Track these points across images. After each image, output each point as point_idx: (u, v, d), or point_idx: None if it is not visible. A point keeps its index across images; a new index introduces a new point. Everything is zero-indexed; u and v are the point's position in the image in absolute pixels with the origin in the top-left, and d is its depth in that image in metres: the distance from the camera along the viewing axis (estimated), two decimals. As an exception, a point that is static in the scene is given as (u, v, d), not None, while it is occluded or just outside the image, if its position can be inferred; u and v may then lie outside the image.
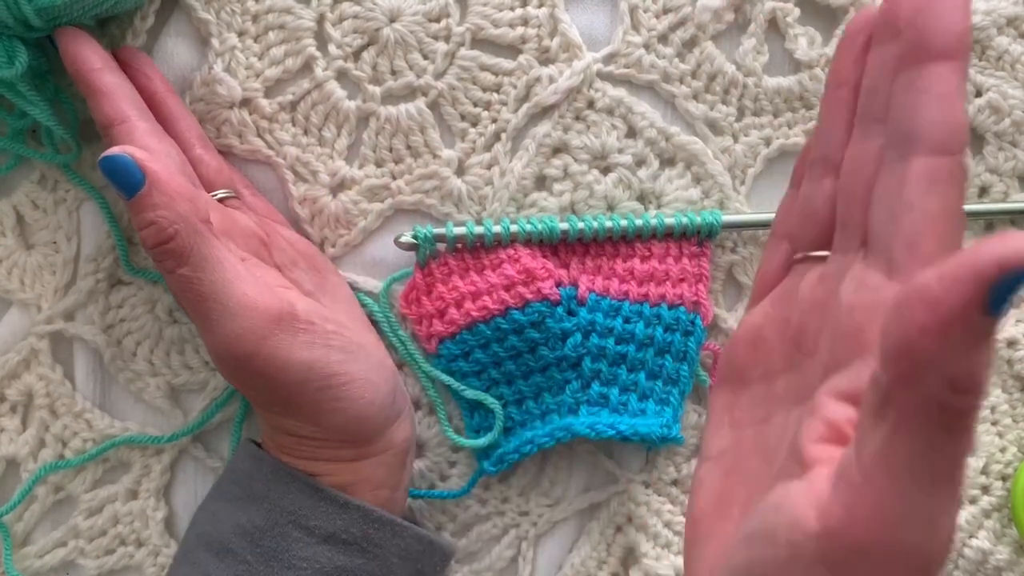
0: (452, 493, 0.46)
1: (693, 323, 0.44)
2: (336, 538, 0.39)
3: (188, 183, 0.36)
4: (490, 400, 0.44)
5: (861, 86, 0.30)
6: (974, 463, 0.47)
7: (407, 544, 0.41)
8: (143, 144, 0.38)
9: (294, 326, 0.37)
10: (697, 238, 0.44)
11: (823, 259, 0.32)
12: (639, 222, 0.44)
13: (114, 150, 0.34)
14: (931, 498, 0.22)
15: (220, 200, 0.42)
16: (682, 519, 0.46)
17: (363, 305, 0.45)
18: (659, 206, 0.46)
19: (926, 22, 0.26)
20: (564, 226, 0.44)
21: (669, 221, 0.44)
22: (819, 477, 0.25)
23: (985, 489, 0.47)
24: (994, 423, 0.47)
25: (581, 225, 0.44)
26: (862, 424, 0.23)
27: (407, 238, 0.44)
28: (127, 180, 0.33)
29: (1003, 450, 0.47)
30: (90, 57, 0.39)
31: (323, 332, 0.38)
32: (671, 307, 0.44)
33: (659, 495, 0.47)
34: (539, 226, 0.44)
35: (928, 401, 0.21)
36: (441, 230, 0.44)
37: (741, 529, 0.28)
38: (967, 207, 0.46)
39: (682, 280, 0.44)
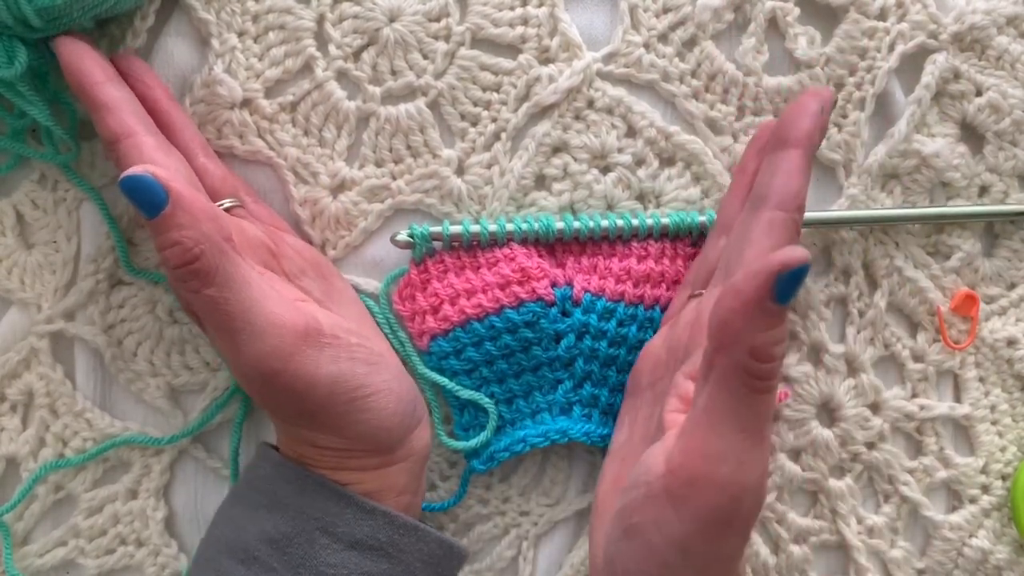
0: (445, 504, 0.46)
1: None
2: (363, 544, 0.39)
3: (209, 201, 0.35)
4: (485, 400, 0.44)
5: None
6: (974, 462, 0.47)
7: (430, 549, 0.40)
8: (152, 159, 0.38)
9: (320, 341, 0.37)
10: (691, 238, 0.45)
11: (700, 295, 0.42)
12: (635, 221, 0.44)
13: (135, 170, 0.33)
14: (740, 442, 0.30)
15: (226, 210, 0.42)
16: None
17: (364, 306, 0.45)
18: (658, 205, 0.46)
19: (787, 121, 0.39)
20: (560, 225, 0.44)
21: (664, 221, 0.44)
22: (670, 436, 0.34)
23: (985, 489, 0.47)
24: (994, 423, 0.47)
25: (577, 224, 0.44)
26: (696, 388, 0.32)
27: (403, 236, 0.44)
28: (150, 200, 0.33)
29: (1003, 450, 0.47)
30: (92, 70, 0.39)
31: (347, 345, 0.38)
32: (664, 310, 0.45)
33: (659, 495, 0.47)
34: (535, 225, 0.44)
35: (736, 365, 0.29)
36: (437, 228, 0.44)
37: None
38: (970, 209, 0.46)
39: (676, 282, 0.44)
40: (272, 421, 0.42)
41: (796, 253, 0.27)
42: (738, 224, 0.40)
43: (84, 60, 0.39)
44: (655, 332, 0.44)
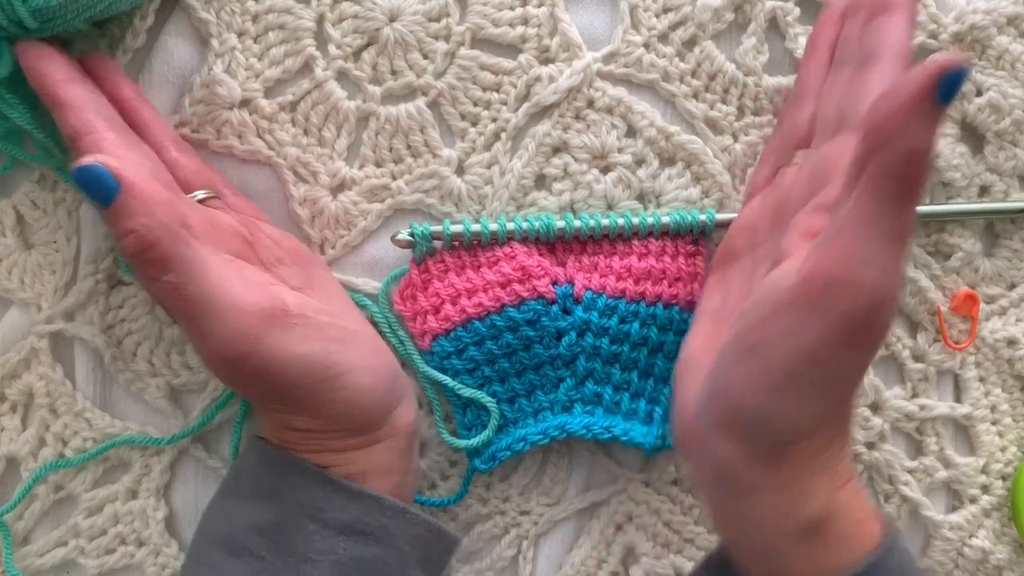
0: (446, 500, 0.46)
1: (686, 322, 0.44)
2: (351, 529, 0.39)
3: (163, 188, 0.35)
4: (486, 399, 0.44)
5: (836, 44, 0.42)
6: (974, 463, 0.47)
7: (418, 532, 0.41)
8: (112, 153, 0.37)
9: (287, 321, 0.36)
10: (692, 237, 0.45)
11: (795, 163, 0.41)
12: (635, 220, 0.44)
13: (86, 160, 0.33)
14: (886, 248, 0.30)
15: (200, 201, 0.42)
16: (682, 518, 0.47)
17: (362, 307, 0.45)
18: (659, 205, 0.46)
19: None
20: (560, 224, 0.44)
21: (664, 219, 0.44)
22: (798, 255, 0.33)
23: (985, 489, 0.47)
24: (994, 423, 0.47)
25: (577, 223, 0.44)
26: (839, 197, 0.31)
27: (404, 235, 0.44)
28: (101, 190, 0.33)
29: (1003, 450, 0.47)
30: (51, 69, 0.39)
31: (317, 324, 0.38)
32: (666, 306, 0.44)
33: (659, 494, 0.47)
34: (536, 224, 0.44)
35: (890, 169, 0.29)
36: (438, 227, 0.44)
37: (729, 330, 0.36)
38: (969, 207, 0.46)
39: (678, 279, 0.44)
40: (256, 410, 0.42)
41: (957, 57, 0.27)
42: (832, 88, 0.41)
43: (43, 60, 0.39)
44: (658, 328, 0.44)
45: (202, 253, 0.35)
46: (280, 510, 0.38)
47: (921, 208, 0.46)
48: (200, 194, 0.42)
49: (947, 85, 0.27)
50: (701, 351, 0.40)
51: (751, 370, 0.33)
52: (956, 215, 0.46)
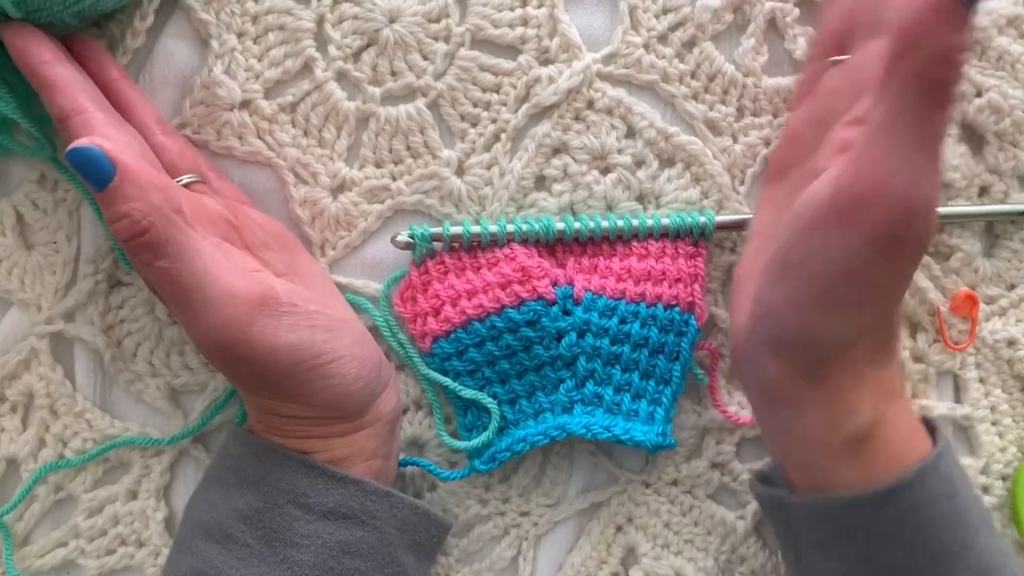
0: (448, 473, 0.45)
1: (687, 324, 0.44)
2: (336, 513, 0.39)
3: (158, 172, 0.35)
4: (487, 400, 0.44)
5: None
6: (974, 463, 0.47)
7: (404, 515, 0.41)
8: (103, 134, 0.37)
9: (277, 310, 0.37)
10: (692, 238, 0.45)
11: (843, 62, 0.40)
12: (635, 222, 0.44)
13: (81, 141, 0.33)
14: (918, 157, 0.30)
15: (185, 185, 0.42)
16: (682, 519, 0.47)
17: (362, 310, 0.45)
18: (658, 206, 0.46)
19: None
20: (560, 225, 0.44)
21: (664, 221, 0.44)
22: (833, 168, 0.33)
23: (985, 490, 0.47)
24: (994, 423, 0.47)
25: (577, 224, 0.44)
26: (871, 108, 0.31)
27: (404, 237, 0.44)
28: (97, 172, 0.33)
29: (1003, 450, 0.47)
30: (38, 50, 0.38)
31: (306, 312, 0.38)
32: (667, 307, 0.44)
33: (659, 495, 0.47)
34: (535, 225, 0.44)
35: (920, 72, 0.28)
36: (438, 229, 0.44)
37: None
38: (967, 208, 0.46)
39: (678, 280, 0.44)
40: (239, 394, 0.42)
41: None
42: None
43: (29, 41, 0.39)
44: (658, 329, 0.44)
45: (195, 239, 0.35)
46: (264, 497, 0.39)
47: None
48: (186, 178, 0.42)
49: None
50: (752, 268, 0.39)
51: (792, 287, 0.33)
52: (955, 218, 0.46)
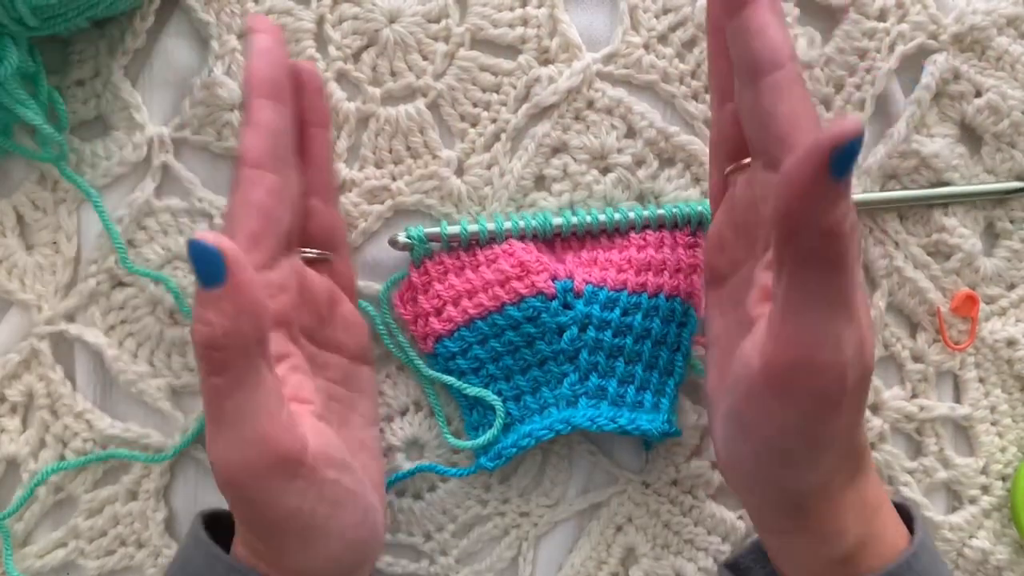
0: (455, 471, 0.45)
1: (687, 314, 0.44)
2: None
3: (262, 297, 0.33)
4: (492, 397, 0.44)
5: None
6: (974, 463, 0.47)
7: None
8: (259, 202, 0.37)
9: (295, 472, 0.34)
10: (690, 228, 0.45)
11: (747, 165, 0.39)
12: (631, 214, 0.44)
13: (209, 239, 0.31)
14: (831, 321, 0.29)
15: (310, 259, 0.41)
16: (682, 519, 0.47)
17: (361, 311, 0.45)
18: (658, 206, 0.46)
19: None
20: (558, 220, 0.44)
21: (661, 212, 0.44)
22: (759, 329, 0.33)
23: (985, 489, 0.47)
24: (994, 423, 0.47)
25: (575, 219, 0.44)
26: (773, 281, 0.31)
27: (400, 238, 0.44)
28: (207, 273, 0.31)
29: (1003, 450, 0.47)
30: (260, 84, 0.38)
31: (319, 481, 0.35)
32: (668, 298, 0.44)
33: (659, 495, 0.47)
34: (533, 221, 0.44)
35: (807, 251, 0.28)
36: (434, 229, 0.44)
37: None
38: (960, 188, 0.46)
39: (678, 271, 0.44)
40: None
41: (847, 125, 0.26)
42: (739, 99, 0.37)
43: (267, 60, 0.38)
44: (661, 320, 0.44)
45: (258, 378, 0.33)
46: None
47: (915, 192, 0.46)
48: (311, 253, 0.41)
49: (842, 159, 0.26)
50: (717, 385, 0.40)
51: (749, 448, 0.34)
52: (943, 198, 0.46)
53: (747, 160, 0.39)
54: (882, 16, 0.46)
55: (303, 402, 0.37)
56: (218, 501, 0.42)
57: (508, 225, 0.44)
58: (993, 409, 0.47)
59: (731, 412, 0.34)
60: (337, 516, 0.36)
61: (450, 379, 0.44)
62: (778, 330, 0.30)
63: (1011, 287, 0.47)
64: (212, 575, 0.36)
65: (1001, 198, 0.47)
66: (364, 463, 0.41)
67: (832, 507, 0.34)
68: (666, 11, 0.46)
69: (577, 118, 0.46)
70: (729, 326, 0.40)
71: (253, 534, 0.36)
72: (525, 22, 0.45)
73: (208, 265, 0.31)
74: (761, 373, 0.31)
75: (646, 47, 0.46)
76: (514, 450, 0.44)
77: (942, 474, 0.47)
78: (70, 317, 0.46)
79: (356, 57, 0.45)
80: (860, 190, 0.46)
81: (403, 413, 0.46)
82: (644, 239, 0.44)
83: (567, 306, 0.44)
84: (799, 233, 0.28)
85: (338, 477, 0.36)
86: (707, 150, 0.46)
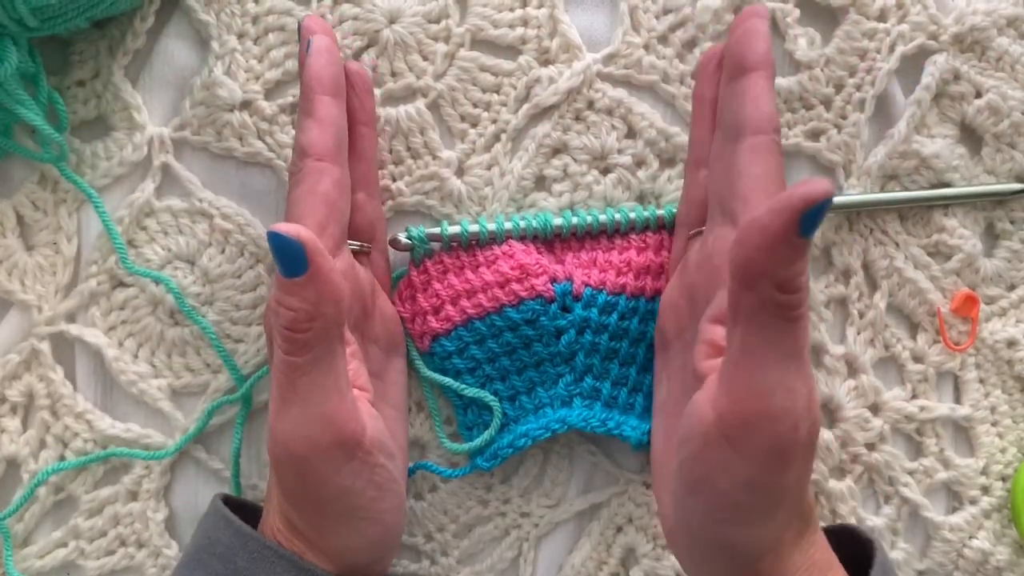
0: (451, 471, 0.45)
1: None
2: None
3: (341, 282, 0.34)
4: (489, 397, 0.44)
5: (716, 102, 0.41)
6: (974, 463, 0.47)
7: None
8: (325, 193, 0.39)
9: (353, 453, 0.36)
10: None
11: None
12: (632, 214, 0.44)
13: (290, 231, 0.32)
14: (785, 371, 0.30)
15: (353, 251, 0.42)
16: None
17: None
18: (659, 207, 0.46)
19: (741, 48, 0.38)
20: (558, 221, 0.44)
21: (661, 213, 0.44)
22: (710, 383, 0.33)
23: (985, 489, 0.47)
24: (994, 424, 0.47)
25: (575, 220, 0.44)
26: (727, 329, 0.32)
27: (401, 238, 0.44)
28: (289, 264, 0.32)
29: (1003, 450, 0.47)
30: (324, 82, 0.40)
31: (372, 464, 0.37)
32: None
33: (659, 496, 0.47)
34: (533, 222, 0.44)
35: (764, 301, 0.29)
36: (435, 229, 0.44)
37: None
38: (961, 189, 0.46)
39: None
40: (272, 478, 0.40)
41: (818, 187, 0.27)
42: (715, 157, 0.40)
43: (325, 61, 0.40)
44: (656, 323, 0.44)
45: (336, 358, 0.35)
46: None
47: (915, 193, 0.46)
48: (355, 245, 0.42)
49: (809, 218, 0.27)
50: (662, 450, 0.41)
51: (701, 504, 0.34)
52: (944, 199, 0.46)
53: (703, 228, 0.41)
54: (882, 16, 0.46)
55: (361, 389, 0.39)
56: (218, 502, 0.42)
57: (508, 225, 0.44)
58: (993, 410, 0.47)
59: (683, 469, 0.34)
60: (381, 500, 0.38)
61: (447, 380, 0.44)
62: (731, 380, 0.31)
63: (1011, 288, 0.47)
64: (245, 552, 0.37)
65: (1001, 199, 0.47)
66: (401, 457, 0.42)
67: (783, 567, 0.34)
68: (666, 11, 0.46)
69: (577, 119, 0.46)
70: (674, 391, 0.41)
71: (298, 511, 0.37)
72: (525, 23, 0.45)
73: (290, 256, 0.32)
74: (715, 425, 0.32)
75: (646, 47, 0.46)
76: (510, 450, 0.44)
77: (942, 475, 0.47)
78: (70, 317, 0.46)
79: (356, 57, 0.45)
80: (860, 190, 0.46)
81: (403, 413, 0.46)
82: (644, 241, 0.44)
83: (565, 309, 0.44)
84: (757, 283, 0.29)
85: (386, 463, 0.38)
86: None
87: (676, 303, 0.42)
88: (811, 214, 0.27)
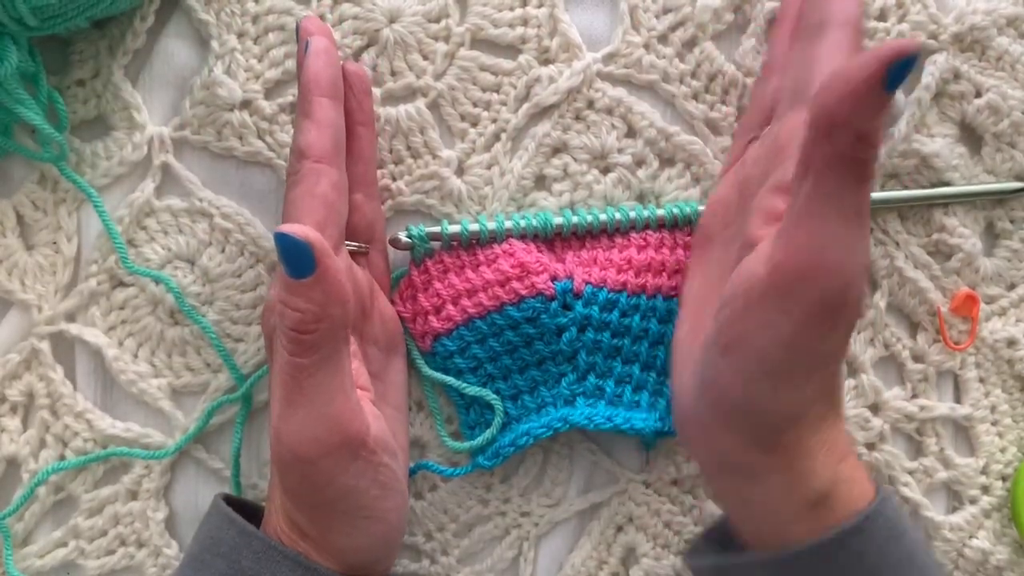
0: (452, 470, 0.45)
1: None
2: None
3: (349, 283, 0.35)
4: (491, 396, 0.44)
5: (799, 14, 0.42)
6: (974, 463, 0.47)
7: None
8: (323, 194, 0.39)
9: (357, 452, 0.36)
10: (690, 229, 0.45)
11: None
12: (632, 213, 0.44)
13: (296, 231, 0.32)
14: (847, 229, 0.30)
15: (351, 251, 0.42)
16: (682, 519, 0.47)
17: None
18: (659, 206, 0.46)
19: None
20: (559, 219, 0.44)
21: (661, 212, 0.44)
22: (763, 246, 0.34)
23: (985, 489, 0.47)
24: (994, 424, 0.47)
25: (575, 218, 0.44)
26: (793, 185, 0.32)
27: (402, 237, 0.44)
28: (296, 264, 0.32)
29: (1003, 450, 0.47)
30: (321, 83, 0.40)
31: (376, 464, 0.37)
32: (666, 298, 0.44)
33: (659, 495, 0.47)
34: (534, 221, 0.44)
35: (842, 152, 0.29)
36: (435, 228, 0.44)
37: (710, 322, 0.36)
38: (961, 188, 0.46)
39: (677, 271, 0.44)
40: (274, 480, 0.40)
41: (909, 43, 0.27)
42: (791, 60, 0.41)
43: (323, 63, 0.40)
44: (658, 321, 0.44)
45: (341, 359, 0.35)
46: None
47: (915, 192, 0.46)
48: (353, 245, 0.42)
49: (896, 72, 0.27)
50: (688, 338, 0.40)
51: (735, 365, 0.34)
52: (943, 198, 0.46)
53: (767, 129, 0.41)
54: (882, 16, 0.46)
55: (363, 389, 0.39)
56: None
57: (509, 225, 0.44)
58: (993, 409, 0.47)
59: (721, 332, 0.34)
60: (384, 499, 0.38)
61: (449, 379, 0.44)
62: (790, 235, 0.31)
63: (1011, 287, 0.47)
64: (249, 551, 0.37)
65: (1001, 198, 0.47)
66: (403, 456, 0.42)
67: (806, 442, 0.35)
68: (666, 11, 0.46)
69: (577, 118, 0.46)
70: (709, 283, 0.41)
71: (302, 511, 0.37)
72: (525, 22, 0.45)
73: (297, 257, 0.32)
74: (767, 279, 0.32)
75: (646, 47, 0.46)
76: (512, 449, 0.44)
77: (942, 474, 0.47)
78: (70, 317, 0.46)
79: (356, 57, 0.45)
80: (860, 190, 0.46)
81: (403, 413, 0.46)
82: (645, 239, 0.44)
83: (566, 307, 0.44)
84: (835, 134, 0.29)
85: (390, 462, 0.38)
86: (707, 150, 0.46)
87: (726, 198, 0.42)
88: (899, 67, 0.27)
